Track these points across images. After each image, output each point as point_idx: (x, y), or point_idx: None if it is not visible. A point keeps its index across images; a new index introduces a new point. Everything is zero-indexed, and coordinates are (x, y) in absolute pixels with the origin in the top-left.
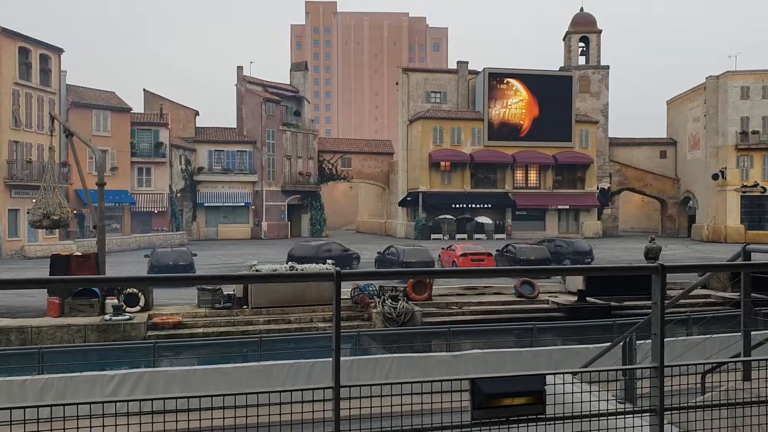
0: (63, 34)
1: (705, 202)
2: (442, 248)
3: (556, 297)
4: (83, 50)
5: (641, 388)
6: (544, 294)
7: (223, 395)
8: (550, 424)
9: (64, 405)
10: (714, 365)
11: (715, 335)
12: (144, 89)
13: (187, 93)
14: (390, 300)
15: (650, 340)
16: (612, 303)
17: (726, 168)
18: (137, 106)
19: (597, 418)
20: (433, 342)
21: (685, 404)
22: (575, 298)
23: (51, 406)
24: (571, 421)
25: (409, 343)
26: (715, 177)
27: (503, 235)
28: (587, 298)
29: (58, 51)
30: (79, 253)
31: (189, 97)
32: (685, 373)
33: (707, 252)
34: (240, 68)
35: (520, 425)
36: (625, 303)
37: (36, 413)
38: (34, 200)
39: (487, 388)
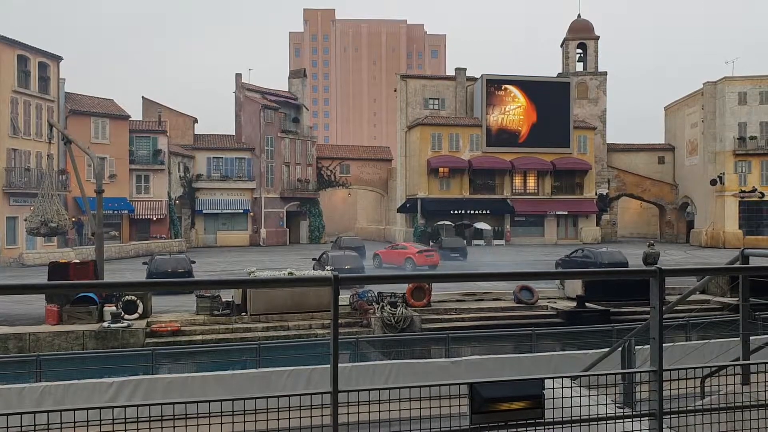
0: (62, 42)
1: (703, 208)
2: (386, 247)
3: (555, 303)
4: (82, 58)
5: (640, 392)
6: (543, 300)
7: (221, 401)
8: (549, 429)
9: (61, 411)
10: (713, 369)
11: (713, 340)
12: (143, 97)
13: (185, 100)
14: (389, 306)
15: (649, 345)
16: (611, 308)
17: (724, 173)
18: (136, 114)
19: (596, 423)
20: (432, 348)
21: (684, 408)
22: (574, 304)
23: (48, 412)
24: (570, 425)
25: (408, 349)
26: (713, 182)
27: (502, 241)
28: (586, 304)
29: (57, 59)
30: (77, 261)
31: (188, 104)
32: (684, 378)
33: (706, 257)
34: (239, 75)
35: (518, 429)
36: (624, 308)
37: (33, 419)
38: (32, 208)
39: (486, 393)
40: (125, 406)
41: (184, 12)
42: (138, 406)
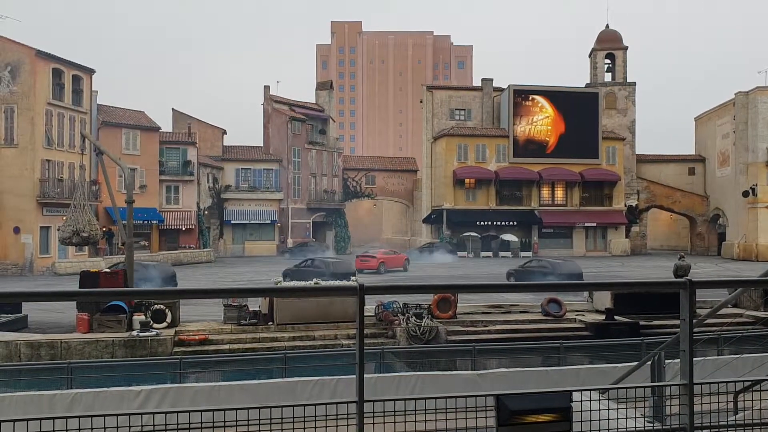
0: (93, 56)
1: (735, 220)
2: (357, 256)
3: (584, 315)
4: (114, 72)
5: (670, 406)
6: (571, 312)
7: (248, 408)
8: None
9: (92, 417)
10: (747, 384)
11: (747, 354)
12: (173, 109)
13: (214, 112)
14: (414, 317)
15: (679, 359)
16: (641, 321)
17: (756, 185)
18: (166, 125)
19: None
20: (458, 360)
21: (717, 424)
22: (603, 317)
23: (79, 417)
24: None
25: (434, 360)
26: (745, 194)
27: (530, 253)
28: (615, 317)
29: (90, 72)
30: (107, 270)
31: (217, 116)
32: (716, 392)
33: (738, 270)
34: (267, 88)
35: None
36: (655, 322)
37: (65, 424)
38: (64, 218)
39: (512, 405)
40: (154, 413)
41: (212, 25)
42: (166, 413)
